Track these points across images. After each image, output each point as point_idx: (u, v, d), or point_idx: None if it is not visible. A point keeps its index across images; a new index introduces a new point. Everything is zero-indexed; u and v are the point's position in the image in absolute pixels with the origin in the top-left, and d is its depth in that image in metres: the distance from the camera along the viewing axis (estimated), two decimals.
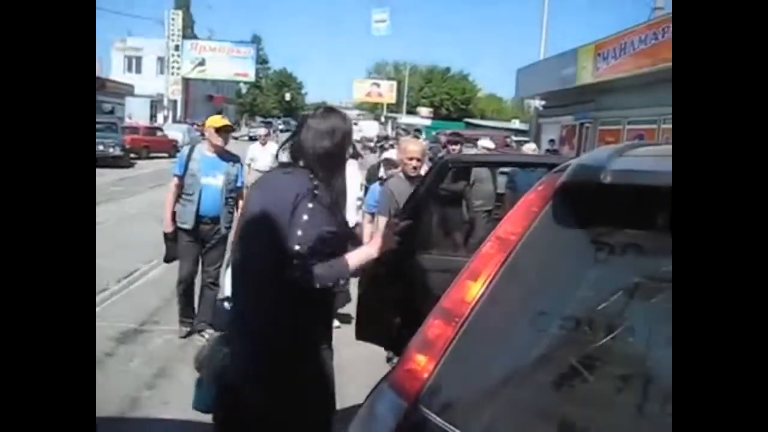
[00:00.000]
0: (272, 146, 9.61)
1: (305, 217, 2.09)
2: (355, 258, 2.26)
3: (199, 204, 4.84)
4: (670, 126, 14.12)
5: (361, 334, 3.42)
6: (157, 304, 4.81)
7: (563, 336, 1.19)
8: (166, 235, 4.99)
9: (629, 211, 1.20)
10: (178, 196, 4.92)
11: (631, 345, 1.13)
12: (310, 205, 2.11)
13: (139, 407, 3.92)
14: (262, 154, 9.69)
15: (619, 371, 1.12)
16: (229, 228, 4.91)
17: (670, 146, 1.15)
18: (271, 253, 2.11)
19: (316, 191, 2.15)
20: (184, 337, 5.05)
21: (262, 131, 10.85)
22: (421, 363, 1.28)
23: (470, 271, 1.37)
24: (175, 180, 4.97)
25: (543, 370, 1.18)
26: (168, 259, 5.11)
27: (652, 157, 1.46)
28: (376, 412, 1.36)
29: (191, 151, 5.01)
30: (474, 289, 1.32)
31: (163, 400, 4.01)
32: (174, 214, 4.91)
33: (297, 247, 2.07)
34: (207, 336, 4.70)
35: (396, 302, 3.01)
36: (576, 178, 1.28)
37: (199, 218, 4.87)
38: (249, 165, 9.27)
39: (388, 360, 4.58)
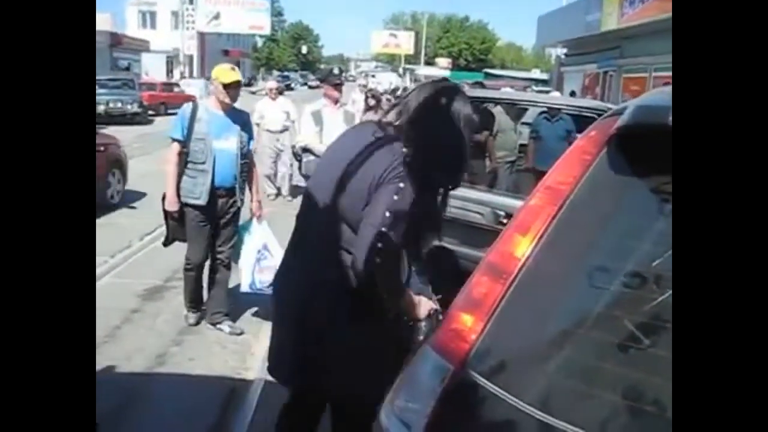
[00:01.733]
0: (284, 102, 8.81)
1: (395, 197, 1.84)
2: (409, 297, 2.03)
3: (213, 174, 4.06)
4: None
5: None
6: (181, 261, 4.74)
7: (625, 294, 1.08)
8: (168, 213, 4.17)
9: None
10: (183, 166, 4.07)
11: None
12: (402, 185, 1.85)
13: (166, 363, 3.94)
14: (272, 111, 8.66)
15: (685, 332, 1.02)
16: (243, 201, 4.31)
17: None
18: (345, 229, 1.93)
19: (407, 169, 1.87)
20: (194, 324, 4.43)
21: (271, 84, 9.42)
22: (468, 323, 1.19)
23: (518, 225, 1.27)
24: (176, 146, 4.07)
25: (602, 330, 1.08)
26: (168, 242, 4.34)
27: None
28: (419, 376, 1.27)
29: (194, 109, 4.10)
30: (524, 244, 1.22)
31: (188, 357, 4.02)
32: (178, 188, 4.09)
33: (383, 229, 1.82)
34: (228, 330, 4.36)
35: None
36: (638, 121, 1.16)
37: (214, 191, 4.08)
38: (258, 125, 8.24)
39: None
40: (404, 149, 1.90)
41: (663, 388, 1.02)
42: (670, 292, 1.05)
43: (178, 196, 4.09)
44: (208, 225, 4.19)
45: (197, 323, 4.43)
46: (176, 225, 4.19)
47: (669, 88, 1.42)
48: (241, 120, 4.24)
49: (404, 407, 1.29)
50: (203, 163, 4.04)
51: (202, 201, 4.06)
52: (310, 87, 51.06)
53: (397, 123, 1.99)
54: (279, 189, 9.08)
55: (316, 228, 2.07)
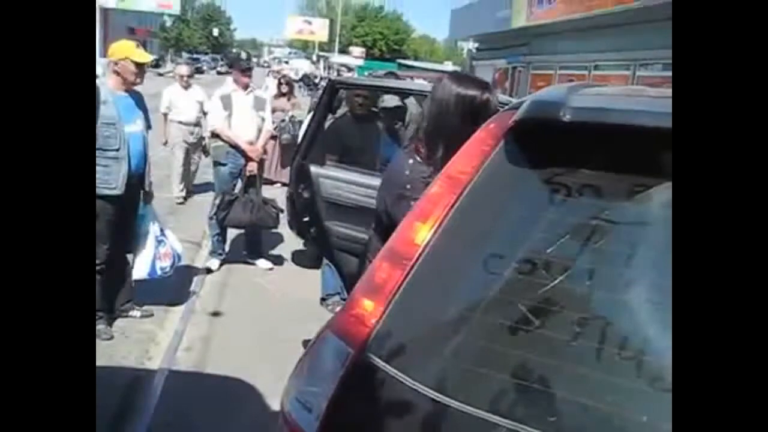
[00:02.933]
0: (197, 91, 7.70)
1: None
2: None
3: (129, 160, 3.77)
4: (601, 73, 14.39)
5: (290, 226, 3.88)
6: None
7: (517, 280, 1.14)
8: None
9: (587, 150, 1.15)
10: None
11: (586, 289, 1.10)
12: None
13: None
14: (184, 101, 7.50)
15: (574, 316, 1.08)
16: (150, 185, 4.12)
17: (619, 87, 1.12)
18: None
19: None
20: (109, 339, 3.94)
21: (183, 69, 7.86)
22: (369, 308, 1.22)
23: (419, 212, 1.30)
24: None
25: (496, 314, 1.13)
26: None
27: (607, 96, 1.42)
28: (320, 360, 1.29)
29: (97, 92, 3.66)
30: (423, 231, 1.25)
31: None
32: None
33: None
34: (139, 314, 4.22)
35: (303, 203, 3.39)
36: (532, 115, 1.22)
37: (128, 179, 3.79)
38: (165, 115, 7.49)
39: (322, 301, 4.56)
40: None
41: (550, 367, 1.08)
42: (560, 277, 1.11)
43: None
44: (119, 217, 3.87)
45: (112, 337, 3.95)
46: None
47: (569, 85, 1.50)
48: (142, 101, 4.01)
49: (306, 391, 1.30)
50: (117, 149, 3.70)
51: (119, 190, 3.73)
52: (219, 72, 49.39)
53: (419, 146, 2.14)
54: (189, 190, 7.99)
55: None
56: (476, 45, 25.18)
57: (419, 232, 1.25)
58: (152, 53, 40.53)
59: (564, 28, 15.83)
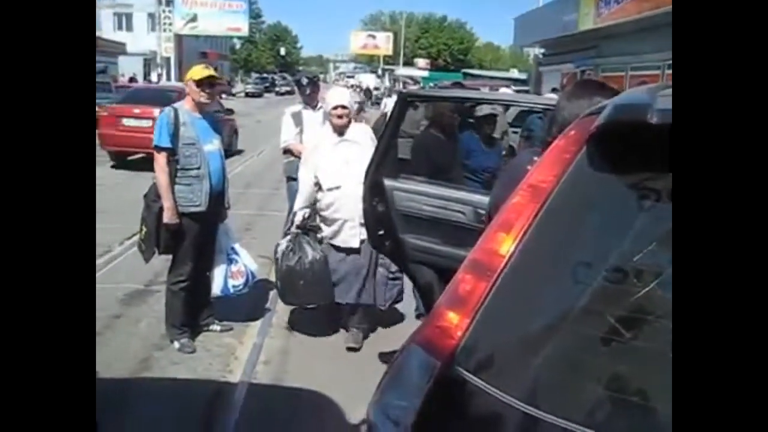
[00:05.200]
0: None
1: None
2: None
3: (210, 178, 3.97)
4: None
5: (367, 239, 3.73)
6: (162, 264, 4.66)
7: (607, 288, 1.11)
8: (166, 227, 3.90)
9: None
10: (174, 175, 3.87)
11: None
12: None
13: (149, 368, 3.91)
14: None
15: (668, 325, 1.04)
16: (229, 203, 4.34)
17: None
18: None
19: None
20: (191, 352, 4.09)
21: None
22: (454, 320, 1.21)
23: (502, 223, 1.29)
24: (164, 155, 3.86)
25: (586, 324, 1.10)
26: (150, 257, 4.13)
27: None
28: (406, 373, 1.29)
29: (176, 114, 3.91)
30: (507, 242, 1.24)
31: (172, 361, 4.00)
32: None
33: None
34: (219, 328, 4.38)
35: (378, 216, 3.30)
36: (617, 120, 1.18)
37: (210, 196, 3.98)
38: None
39: (418, 316, 4.50)
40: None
41: (645, 379, 1.05)
42: (651, 286, 1.08)
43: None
44: (203, 235, 4.08)
45: (194, 350, 4.11)
46: (170, 238, 3.96)
47: (647, 87, 1.45)
48: (216, 123, 4.26)
49: (392, 404, 1.30)
50: (198, 168, 3.92)
51: (202, 207, 3.95)
52: (279, 93, 49.10)
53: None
54: None
55: None
56: (542, 50, 24.82)
57: (503, 243, 1.24)
58: (224, 75, 41.48)
59: (634, 28, 15.40)
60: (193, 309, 4.26)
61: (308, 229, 4.18)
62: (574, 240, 1.22)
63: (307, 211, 4.22)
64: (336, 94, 4.33)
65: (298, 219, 4.18)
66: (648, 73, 15.67)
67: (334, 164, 4.07)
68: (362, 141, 4.15)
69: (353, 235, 4.06)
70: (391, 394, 1.33)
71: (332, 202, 4.09)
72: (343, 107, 4.12)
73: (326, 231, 4.17)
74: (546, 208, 1.24)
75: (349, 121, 4.21)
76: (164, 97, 9.17)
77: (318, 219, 4.24)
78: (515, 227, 1.25)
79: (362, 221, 3.57)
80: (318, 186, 4.13)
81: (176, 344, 4.12)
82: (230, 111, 14.94)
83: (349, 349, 4.21)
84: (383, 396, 1.33)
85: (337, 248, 4.14)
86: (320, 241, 4.17)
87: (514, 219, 1.27)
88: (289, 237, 4.15)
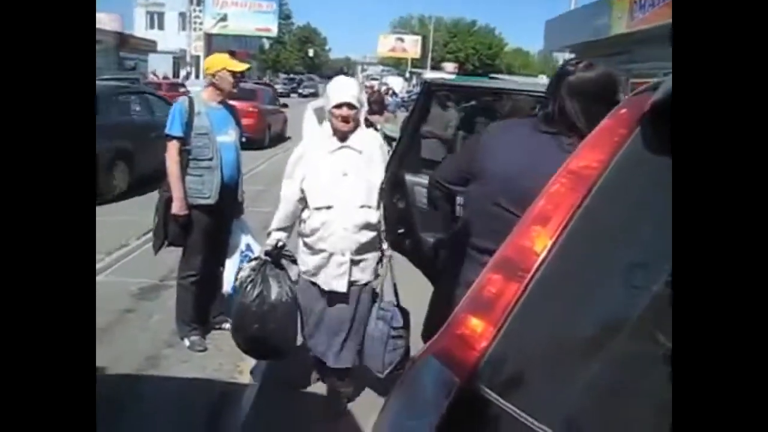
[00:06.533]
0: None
1: None
2: None
3: (221, 170, 3.81)
4: None
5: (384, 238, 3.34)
6: (177, 260, 4.53)
7: (667, 295, 0.90)
8: (174, 218, 3.78)
9: None
10: (185, 165, 3.75)
11: None
12: None
13: (158, 365, 3.79)
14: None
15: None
16: (243, 197, 4.15)
17: None
18: None
19: None
20: (202, 350, 3.96)
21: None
22: (477, 328, 1.01)
23: (537, 215, 1.09)
24: (176, 144, 3.73)
25: (641, 339, 0.90)
26: (159, 249, 3.97)
27: None
28: (420, 388, 1.09)
29: (191, 103, 3.79)
30: (543, 237, 1.03)
31: (182, 359, 3.87)
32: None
33: None
34: (229, 326, 3.93)
35: (398, 214, 3.12)
36: None
37: (222, 189, 3.83)
38: None
39: None
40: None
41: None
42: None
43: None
44: (213, 228, 3.91)
45: (205, 349, 3.96)
46: (178, 230, 3.82)
47: None
48: (235, 114, 4.06)
49: (403, 424, 1.11)
50: (210, 159, 3.77)
51: (212, 200, 3.79)
52: (302, 95, 45.61)
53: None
54: None
55: None
56: (572, 55, 24.45)
57: (538, 238, 1.04)
58: (252, 75, 41.77)
59: (668, 33, 15.02)
60: (205, 305, 4.13)
61: (282, 256, 3.16)
62: (627, 236, 1.01)
63: (285, 235, 3.20)
64: (341, 88, 3.06)
65: (270, 242, 3.18)
66: None
67: (328, 176, 3.00)
68: (369, 151, 3.05)
69: (340, 274, 3.00)
70: (403, 411, 1.14)
71: (318, 228, 3.00)
72: (350, 106, 2.96)
73: (307, 264, 3.10)
74: (591, 198, 1.04)
75: (357, 125, 3.06)
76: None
77: (300, 246, 3.18)
78: (553, 220, 1.05)
79: (354, 258, 2.98)
80: (304, 202, 3.08)
81: (186, 342, 4.01)
82: (285, 105, 18.08)
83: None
84: (392, 414, 1.15)
85: (319, 290, 3.09)
86: (296, 278, 3.20)
87: (552, 211, 1.07)
88: (253, 265, 3.21)
